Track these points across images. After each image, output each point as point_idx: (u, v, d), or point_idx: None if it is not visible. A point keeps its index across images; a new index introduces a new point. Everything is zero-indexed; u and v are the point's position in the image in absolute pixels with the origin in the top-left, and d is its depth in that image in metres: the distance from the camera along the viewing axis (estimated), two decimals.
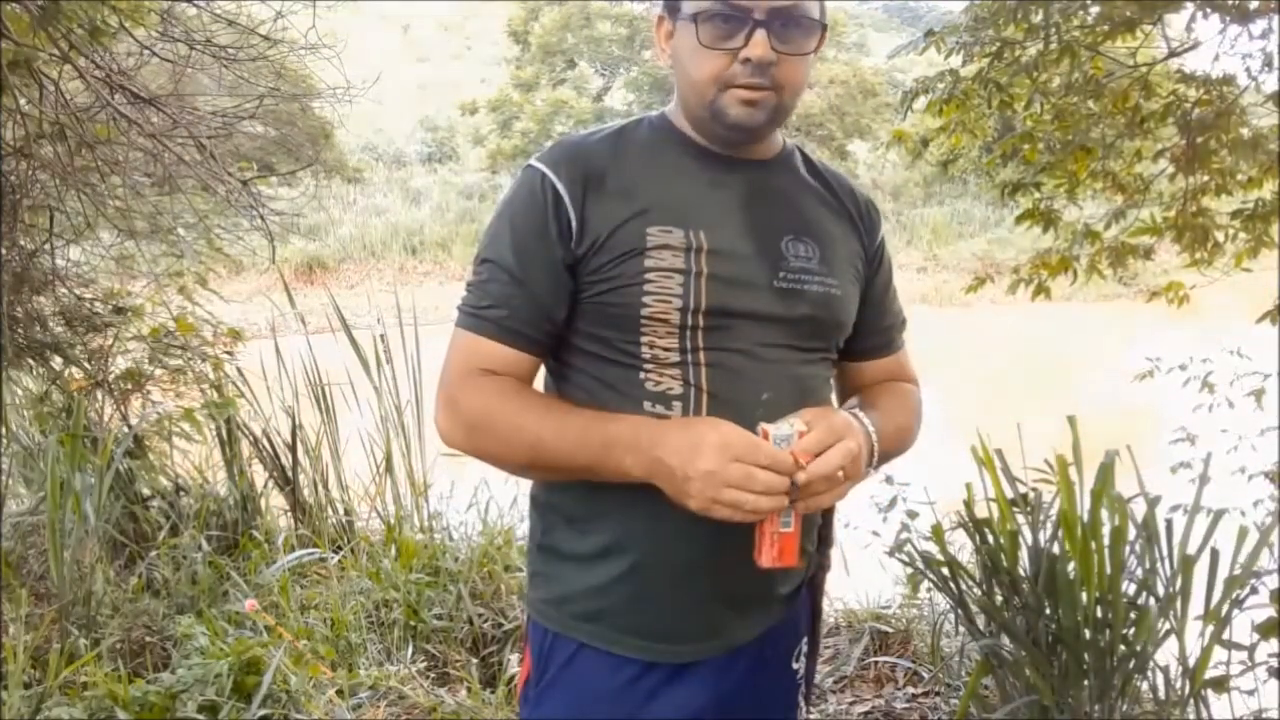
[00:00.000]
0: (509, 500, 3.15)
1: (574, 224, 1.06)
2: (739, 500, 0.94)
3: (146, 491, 3.25)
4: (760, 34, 1.03)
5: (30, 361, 3.19)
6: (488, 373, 1.08)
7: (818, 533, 1.21)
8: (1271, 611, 1.86)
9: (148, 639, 2.59)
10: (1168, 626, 1.88)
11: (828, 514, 1.22)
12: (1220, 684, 1.87)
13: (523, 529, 3.08)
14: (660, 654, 1.11)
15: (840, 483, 0.98)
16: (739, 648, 1.14)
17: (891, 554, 2.43)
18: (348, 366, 3.45)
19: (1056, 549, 1.96)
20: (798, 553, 1.01)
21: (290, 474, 3.38)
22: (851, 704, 2.54)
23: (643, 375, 1.06)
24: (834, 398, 1.24)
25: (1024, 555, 2.04)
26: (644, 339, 1.06)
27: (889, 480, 2.88)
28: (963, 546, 2.29)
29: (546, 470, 1.09)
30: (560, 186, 1.07)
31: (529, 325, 1.08)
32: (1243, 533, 1.86)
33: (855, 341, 1.22)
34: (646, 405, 1.06)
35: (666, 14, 1.12)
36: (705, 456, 0.94)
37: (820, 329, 1.14)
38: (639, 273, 1.05)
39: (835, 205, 1.20)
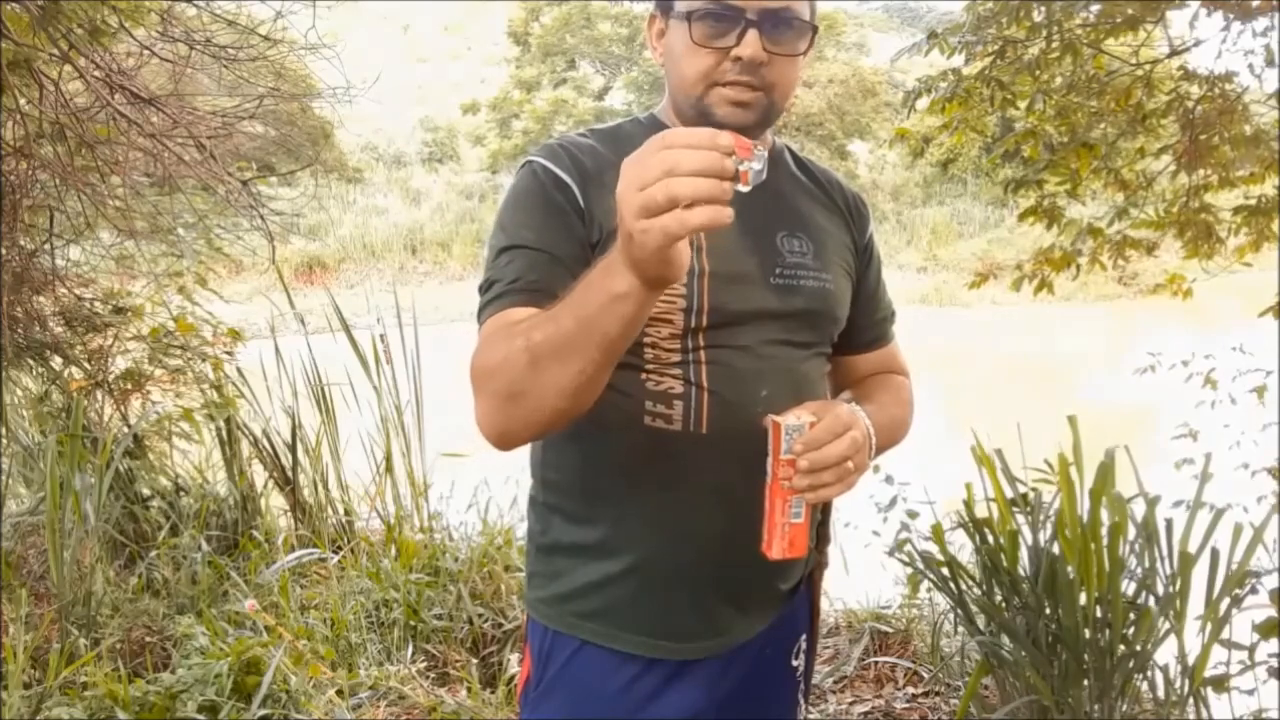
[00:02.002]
0: (509, 500, 3.14)
1: (582, 207, 1.06)
2: (672, 191, 0.75)
3: (146, 491, 3.25)
4: (752, 34, 1.03)
5: (30, 361, 3.19)
6: None
7: (816, 530, 1.21)
8: (1271, 611, 1.86)
9: (148, 639, 2.59)
10: (1167, 626, 1.88)
11: (825, 511, 1.22)
12: (1220, 683, 1.87)
13: (523, 529, 3.08)
14: (663, 651, 1.11)
15: (849, 473, 0.97)
16: (739, 646, 1.14)
17: (891, 554, 2.44)
18: (347, 367, 3.44)
19: (1056, 549, 1.96)
20: (807, 543, 1.01)
21: (290, 474, 3.37)
22: (851, 704, 2.54)
23: (644, 375, 1.06)
24: (828, 393, 1.24)
25: (1024, 555, 2.04)
26: (646, 339, 1.05)
27: (889, 480, 2.88)
28: (963, 546, 2.28)
29: (551, 361, 0.89)
30: (562, 174, 1.07)
31: (558, 282, 0.97)
32: (1237, 530, 1.86)
33: (849, 335, 1.22)
34: (648, 404, 1.05)
35: (659, 13, 1.13)
36: (626, 165, 0.79)
37: (816, 322, 1.14)
38: None
39: (826, 200, 1.21)
